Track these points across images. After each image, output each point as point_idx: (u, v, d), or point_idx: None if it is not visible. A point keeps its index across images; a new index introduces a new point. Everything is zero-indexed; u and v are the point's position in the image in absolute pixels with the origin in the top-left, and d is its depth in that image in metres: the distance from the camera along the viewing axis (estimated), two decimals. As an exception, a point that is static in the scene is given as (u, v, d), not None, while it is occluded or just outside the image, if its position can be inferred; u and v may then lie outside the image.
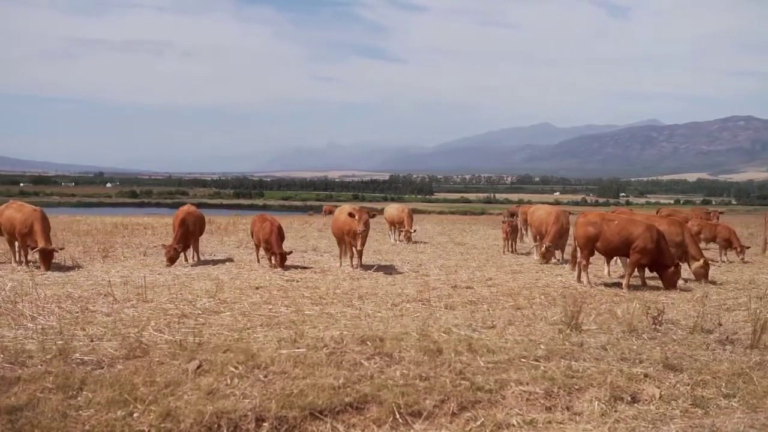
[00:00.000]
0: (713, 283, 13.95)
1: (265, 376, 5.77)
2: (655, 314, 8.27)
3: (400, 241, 24.02)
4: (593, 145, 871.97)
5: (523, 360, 6.48)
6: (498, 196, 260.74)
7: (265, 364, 6.02)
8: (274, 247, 15.66)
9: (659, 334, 7.96)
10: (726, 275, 15.62)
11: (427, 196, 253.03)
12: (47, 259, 14.73)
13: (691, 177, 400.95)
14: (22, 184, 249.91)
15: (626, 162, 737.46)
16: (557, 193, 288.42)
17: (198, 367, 5.83)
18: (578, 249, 13.61)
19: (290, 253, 16.04)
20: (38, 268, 14.57)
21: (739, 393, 5.98)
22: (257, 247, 16.54)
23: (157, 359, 6.15)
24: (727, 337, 7.89)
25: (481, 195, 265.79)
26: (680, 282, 13.89)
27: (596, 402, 5.53)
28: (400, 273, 14.88)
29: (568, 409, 5.48)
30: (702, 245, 20.11)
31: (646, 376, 6.23)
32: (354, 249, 15.61)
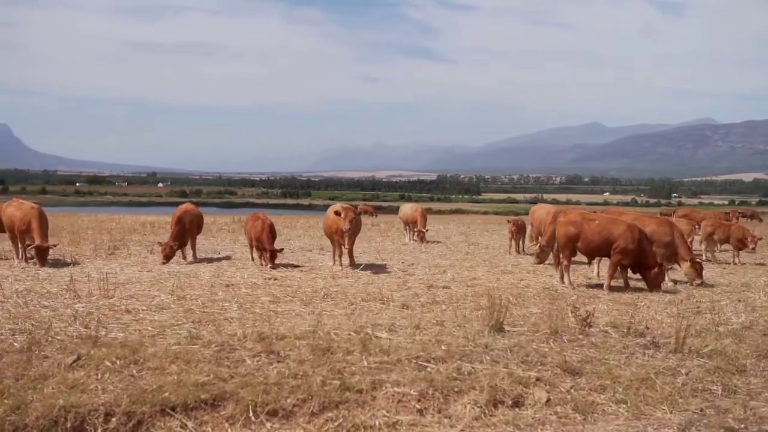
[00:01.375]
0: (704, 285, 13.43)
1: (138, 372, 5.78)
2: (584, 316, 7.98)
3: (414, 240, 23.90)
4: (645, 144, 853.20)
5: (413, 361, 6.31)
6: (546, 196, 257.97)
7: (143, 360, 6.02)
8: (264, 245, 15.73)
9: (580, 336, 7.67)
10: (725, 277, 15.06)
11: (474, 197, 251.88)
12: (42, 255, 15.08)
13: (748, 177, 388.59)
14: (78, 184, 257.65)
15: (679, 162, 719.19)
16: (607, 194, 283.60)
17: (75, 361, 5.87)
18: (559, 249, 13.29)
19: (281, 250, 16.09)
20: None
21: (633, 399, 5.71)
22: (251, 245, 16.64)
23: (44, 353, 6.21)
24: (652, 341, 7.57)
25: (529, 195, 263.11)
26: (670, 284, 13.47)
27: (471, 405, 5.34)
28: (387, 272, 14.76)
29: (440, 412, 5.31)
30: (716, 246, 19.58)
31: (538, 379, 5.99)
32: (343, 247, 15.56)
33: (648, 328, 7.92)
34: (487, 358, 6.53)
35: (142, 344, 6.55)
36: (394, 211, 36.55)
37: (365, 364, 6.15)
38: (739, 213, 23.34)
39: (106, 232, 25.31)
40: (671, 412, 5.47)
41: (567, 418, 5.29)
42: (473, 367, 6.19)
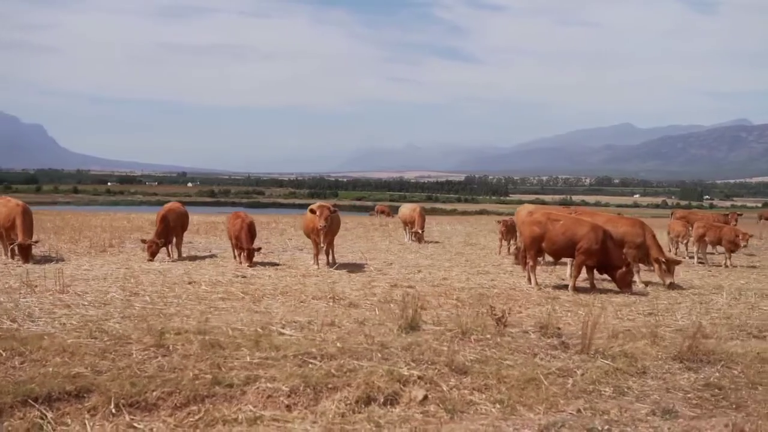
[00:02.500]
0: (673, 286, 13.19)
1: (21, 364, 5.87)
2: (499, 316, 7.89)
3: (412, 240, 23.88)
4: (677, 145, 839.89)
5: (299, 357, 6.30)
6: (575, 198, 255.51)
7: (29, 352, 6.12)
8: (243, 243, 15.83)
9: (488, 336, 7.58)
10: (706, 279, 14.81)
11: (501, 198, 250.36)
12: (25, 252, 15.33)
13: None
14: (109, 183, 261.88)
15: (712, 163, 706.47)
16: (637, 195, 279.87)
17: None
18: (525, 249, 13.17)
19: (258, 249, 16.16)
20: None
21: (513, 399, 5.62)
22: (232, 243, 16.77)
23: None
24: (563, 342, 7.45)
25: (557, 197, 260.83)
26: (641, 286, 13.28)
27: (340, 403, 5.31)
28: (362, 271, 14.75)
29: (307, 408, 5.29)
30: (708, 248, 19.25)
31: (420, 378, 5.93)
32: (320, 246, 15.61)
33: (560, 328, 7.79)
34: (378, 356, 6.50)
35: (42, 338, 6.66)
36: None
37: (248, 359, 6.18)
38: (739, 215, 22.87)
39: (111, 230, 25.66)
40: (545, 413, 5.38)
41: (434, 416, 5.23)
42: (357, 365, 6.16)
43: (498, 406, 5.48)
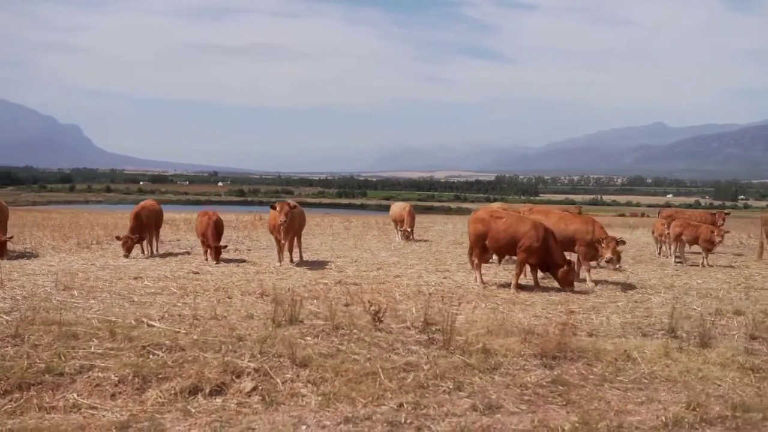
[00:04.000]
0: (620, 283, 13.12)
1: None
2: (374, 311, 7.93)
3: (401, 239, 23.92)
4: (711, 145, 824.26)
5: (146, 348, 6.45)
6: (606, 198, 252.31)
7: None
8: (209, 241, 16.08)
9: (355, 331, 7.61)
10: (664, 279, 14.57)
11: (531, 197, 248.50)
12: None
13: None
14: (141, 183, 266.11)
15: (748, 163, 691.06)
16: (670, 195, 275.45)
17: None
18: (470, 247, 13.15)
19: (225, 247, 16.38)
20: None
21: (342, 392, 5.65)
22: (201, 241, 17.02)
23: None
24: (430, 338, 7.47)
25: (588, 197, 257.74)
26: (590, 284, 13.17)
27: (164, 392, 5.42)
28: (319, 269, 14.82)
29: (131, 397, 5.42)
30: (686, 248, 18.95)
31: (256, 370, 6.01)
32: (282, 243, 15.76)
33: (429, 323, 7.79)
34: (228, 348, 6.62)
35: None
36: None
37: (93, 350, 6.36)
38: (726, 214, 22.41)
39: (113, 227, 26.03)
40: (365, 406, 5.41)
41: (249, 407, 5.33)
42: (201, 356, 6.29)
43: (321, 398, 5.56)
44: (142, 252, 17.38)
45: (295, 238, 16.79)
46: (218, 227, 16.56)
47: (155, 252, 17.62)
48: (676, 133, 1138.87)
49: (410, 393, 5.75)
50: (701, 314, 9.21)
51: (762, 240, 19.46)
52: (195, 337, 7.00)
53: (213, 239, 16.09)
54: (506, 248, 12.73)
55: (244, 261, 16.20)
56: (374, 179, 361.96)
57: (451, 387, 5.99)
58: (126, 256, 16.23)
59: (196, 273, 13.68)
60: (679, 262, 18.15)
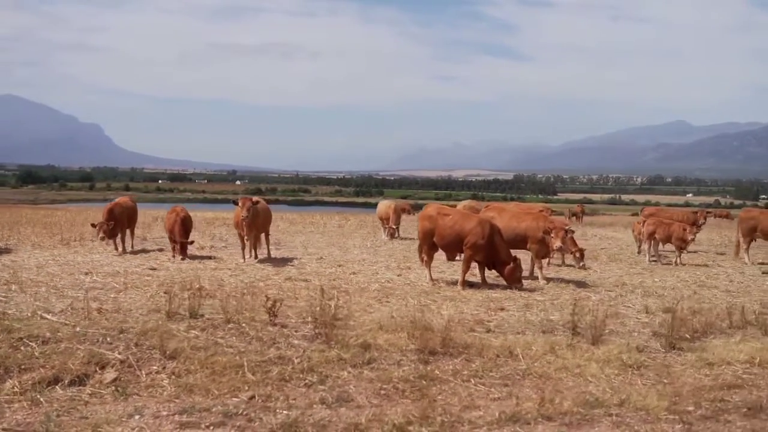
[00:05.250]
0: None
1: None
2: (270, 305, 7.98)
3: (386, 236, 23.95)
4: (733, 143, 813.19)
5: (22, 340, 6.52)
6: (624, 197, 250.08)
7: None
8: (175, 237, 16.22)
9: (244, 326, 7.68)
10: (623, 277, 14.49)
11: (549, 197, 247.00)
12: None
13: None
14: (160, 181, 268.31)
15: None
16: (690, 195, 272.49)
17: None
18: (420, 244, 13.17)
19: (191, 243, 16.51)
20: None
21: (199, 384, 5.68)
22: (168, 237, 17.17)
23: None
24: (316, 333, 7.51)
25: (606, 196, 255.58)
26: (543, 282, 13.14)
27: (22, 383, 5.51)
28: (278, 266, 14.86)
29: None
30: (660, 246, 18.82)
31: (122, 362, 6.11)
32: (245, 239, 15.85)
33: (317, 319, 7.81)
34: (104, 340, 6.73)
35: None
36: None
37: None
38: (708, 213, 22.21)
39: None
40: (218, 398, 5.46)
41: (100, 397, 5.42)
42: (72, 348, 6.39)
43: (177, 389, 5.62)
44: (116, 248, 17.54)
45: (263, 235, 16.89)
46: (185, 224, 16.68)
47: (128, 249, 17.77)
48: (697, 131, 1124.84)
49: (269, 386, 5.81)
50: (605, 312, 9.15)
51: (738, 238, 19.26)
52: (78, 329, 7.12)
53: (179, 235, 16.21)
54: (453, 245, 12.71)
55: (211, 257, 16.30)
56: (392, 178, 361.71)
57: (314, 380, 6.03)
58: (103, 239, 16.43)
59: (153, 269, 13.81)
60: (654, 261, 18.05)
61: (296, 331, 7.70)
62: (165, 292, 9.23)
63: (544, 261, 16.40)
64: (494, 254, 12.31)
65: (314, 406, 5.41)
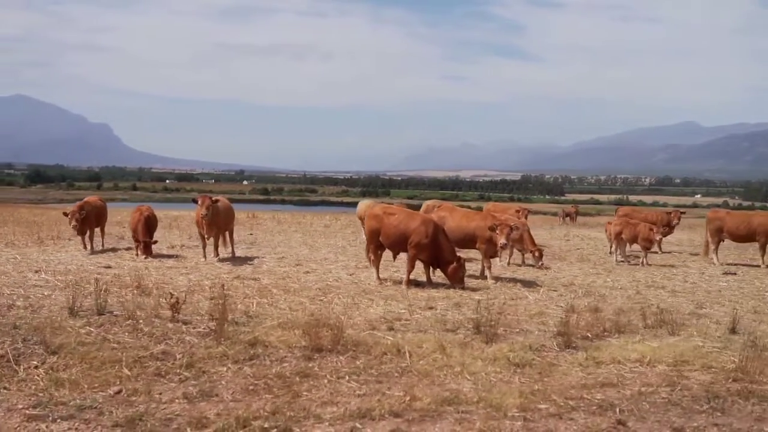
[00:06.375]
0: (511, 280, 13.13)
1: None
2: (173, 303, 8.09)
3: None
4: (743, 144, 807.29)
5: None
6: (632, 198, 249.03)
7: None
8: (138, 236, 16.35)
9: (139, 322, 7.81)
10: (578, 278, 14.51)
11: (556, 197, 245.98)
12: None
13: None
14: (167, 181, 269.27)
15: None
16: (698, 196, 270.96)
17: None
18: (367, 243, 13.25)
19: (155, 242, 16.62)
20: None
21: (73, 378, 5.85)
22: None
23: None
24: (210, 329, 7.62)
25: (613, 197, 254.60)
26: (491, 282, 13.18)
27: None
28: (239, 265, 14.96)
29: None
30: (627, 247, 18.81)
31: (1, 356, 6.26)
32: (205, 238, 15.94)
33: (214, 318, 7.90)
34: None
35: None
36: None
37: None
38: (682, 213, 22.17)
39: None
40: (86, 391, 5.59)
41: None
42: None
43: (49, 384, 5.75)
44: (84, 247, 17.69)
45: (227, 233, 17.00)
46: (149, 223, 16.79)
47: (95, 247, 17.88)
48: (707, 132, 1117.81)
49: (141, 381, 5.92)
50: (530, 311, 9.23)
51: (707, 238, 19.24)
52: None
53: (142, 234, 16.33)
54: (398, 244, 12.76)
55: (176, 257, 16.40)
56: (399, 178, 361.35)
57: (189, 376, 6.15)
58: (75, 227, 16.71)
59: (108, 267, 13.94)
60: (622, 261, 18.07)
61: (194, 328, 7.82)
62: (68, 287, 9.27)
63: (503, 261, 16.47)
64: (438, 254, 12.37)
65: (175, 400, 5.51)
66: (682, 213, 22.26)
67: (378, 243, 12.98)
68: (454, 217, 13.98)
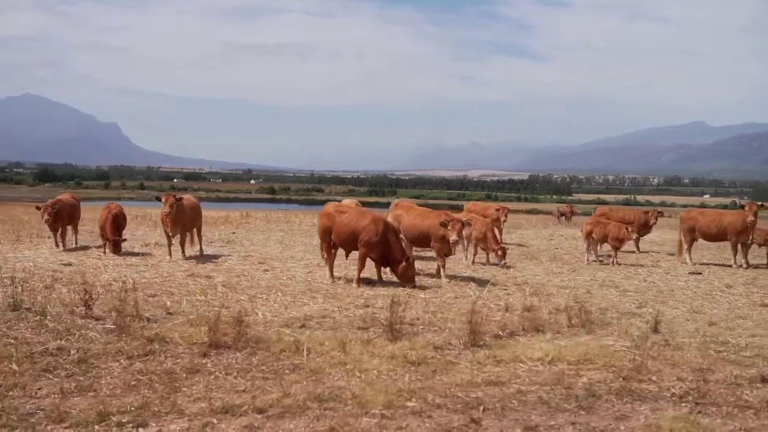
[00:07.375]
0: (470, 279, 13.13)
1: None
2: (86, 299, 8.17)
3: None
4: (753, 144, 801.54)
5: None
6: (640, 198, 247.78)
7: None
8: (107, 234, 16.44)
9: (49, 317, 7.90)
10: (537, 277, 14.50)
11: (563, 197, 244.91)
12: None
13: None
14: (175, 180, 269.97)
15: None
16: (707, 196, 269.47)
17: None
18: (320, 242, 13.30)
19: (124, 240, 16.71)
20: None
21: None
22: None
23: None
24: (117, 326, 7.69)
25: (621, 197, 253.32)
26: (445, 280, 13.18)
27: None
28: (202, 264, 15.04)
29: None
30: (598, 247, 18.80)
31: None
32: (170, 236, 16.00)
33: (147, 317, 7.99)
34: None
35: None
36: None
37: None
38: (659, 213, 22.08)
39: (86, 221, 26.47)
40: None
41: None
42: None
43: None
44: (56, 245, 17.81)
45: (194, 231, 17.08)
46: (117, 221, 16.86)
47: (67, 245, 17.97)
48: (716, 132, 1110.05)
49: (27, 376, 6.00)
50: (463, 311, 9.23)
51: (680, 238, 19.18)
52: None
53: (111, 232, 16.41)
54: (349, 242, 12.81)
55: (142, 254, 16.46)
56: (406, 178, 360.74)
57: (77, 371, 6.22)
58: (47, 221, 16.96)
59: (68, 264, 14.05)
60: (594, 260, 18.08)
61: (102, 324, 7.88)
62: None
63: (467, 260, 16.49)
64: (388, 252, 12.39)
65: (51, 395, 5.59)
66: (659, 213, 22.20)
67: (330, 241, 13.02)
68: (410, 216, 14.02)
